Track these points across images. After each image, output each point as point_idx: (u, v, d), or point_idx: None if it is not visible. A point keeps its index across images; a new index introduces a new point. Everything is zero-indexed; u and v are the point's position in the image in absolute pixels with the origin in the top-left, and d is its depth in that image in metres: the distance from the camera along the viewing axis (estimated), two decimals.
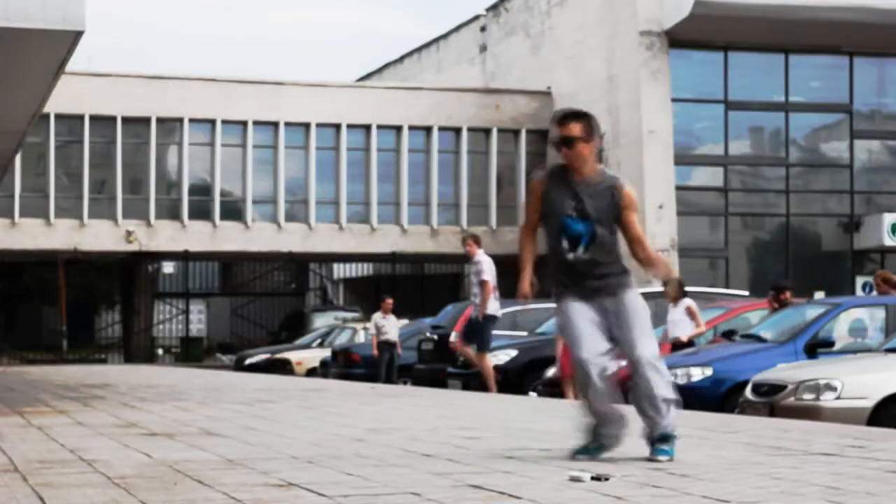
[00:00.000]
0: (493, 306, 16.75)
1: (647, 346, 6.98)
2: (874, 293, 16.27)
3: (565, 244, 7.05)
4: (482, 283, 16.64)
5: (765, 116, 37.40)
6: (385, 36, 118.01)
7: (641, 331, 7.00)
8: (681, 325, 15.93)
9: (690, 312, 15.97)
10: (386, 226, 39.17)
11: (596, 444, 7.09)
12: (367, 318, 32.15)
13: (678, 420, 7.08)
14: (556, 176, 7.10)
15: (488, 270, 16.65)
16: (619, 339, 7.03)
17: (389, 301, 23.86)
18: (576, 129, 6.99)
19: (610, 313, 7.02)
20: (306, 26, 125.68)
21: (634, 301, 7.07)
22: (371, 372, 23.25)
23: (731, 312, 17.55)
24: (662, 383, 6.98)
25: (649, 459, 6.84)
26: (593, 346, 6.98)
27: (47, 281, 43.00)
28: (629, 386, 7.08)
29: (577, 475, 6.06)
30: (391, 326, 23.59)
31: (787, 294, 16.60)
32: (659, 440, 6.93)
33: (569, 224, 7.03)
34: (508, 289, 33.74)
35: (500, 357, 19.02)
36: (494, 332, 20.85)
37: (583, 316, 7.03)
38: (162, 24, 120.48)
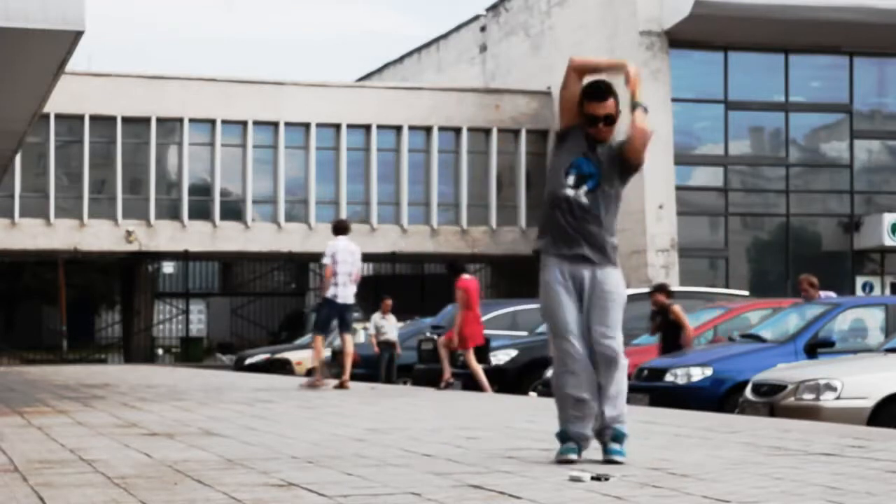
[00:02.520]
0: (332, 291, 16.82)
1: (615, 340, 6.83)
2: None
3: (571, 180, 6.91)
4: (324, 266, 16.86)
5: (765, 116, 37.40)
6: (385, 36, 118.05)
7: (613, 321, 6.84)
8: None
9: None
10: (386, 226, 39.17)
11: (574, 446, 6.92)
12: (367, 318, 32.17)
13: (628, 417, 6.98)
14: (577, 131, 6.99)
15: (330, 255, 16.78)
16: (588, 319, 6.86)
17: (389, 301, 23.87)
18: (612, 105, 6.92)
19: (586, 288, 6.86)
20: (306, 26, 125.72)
21: (614, 282, 6.90)
22: (371, 372, 23.24)
23: (731, 312, 17.55)
24: (624, 381, 6.88)
25: (605, 461, 6.72)
26: (576, 330, 6.85)
27: (47, 281, 43.05)
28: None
29: (577, 475, 6.06)
30: (390, 326, 23.60)
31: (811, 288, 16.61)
32: (614, 440, 6.82)
33: (582, 162, 6.92)
34: (510, 289, 33.59)
35: (500, 357, 19.05)
36: (494, 331, 20.88)
37: (565, 295, 6.89)
38: (162, 24, 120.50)
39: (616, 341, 6.85)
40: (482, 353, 17.68)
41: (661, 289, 16.59)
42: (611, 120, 6.92)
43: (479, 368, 17.24)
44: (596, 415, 6.86)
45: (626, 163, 6.95)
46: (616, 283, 6.91)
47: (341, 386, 16.63)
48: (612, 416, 6.82)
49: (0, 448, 7.92)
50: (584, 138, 6.97)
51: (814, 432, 8.89)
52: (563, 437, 6.93)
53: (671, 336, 15.88)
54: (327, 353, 27.63)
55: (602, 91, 6.91)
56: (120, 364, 37.28)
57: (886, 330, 14.66)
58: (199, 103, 37.87)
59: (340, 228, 17.48)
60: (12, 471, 6.66)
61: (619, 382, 6.85)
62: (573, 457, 6.82)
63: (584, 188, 6.91)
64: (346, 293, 16.92)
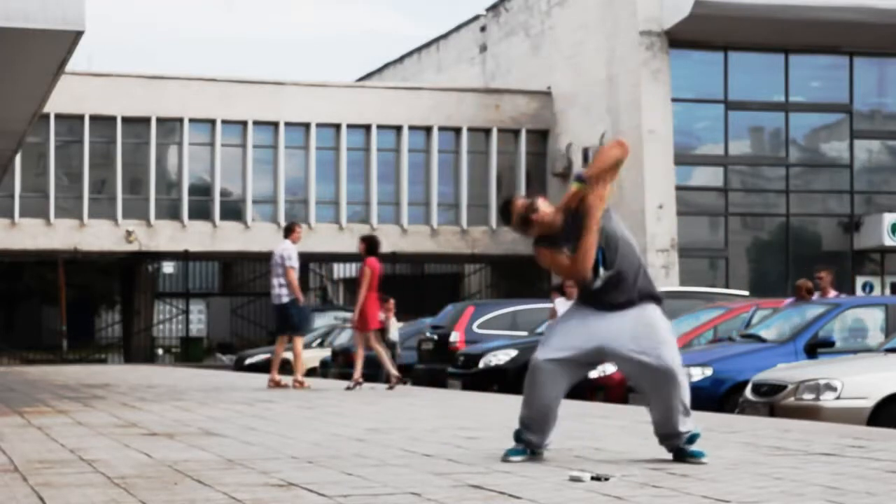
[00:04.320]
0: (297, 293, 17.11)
1: (672, 354, 6.91)
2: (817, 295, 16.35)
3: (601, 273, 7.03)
4: (291, 269, 16.98)
5: (765, 116, 37.39)
6: (385, 36, 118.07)
7: (664, 339, 6.91)
8: None
9: None
10: (386, 226, 39.14)
11: (524, 448, 7.00)
12: None
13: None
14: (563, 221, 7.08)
15: (295, 258, 17.05)
16: (641, 348, 6.88)
17: (391, 301, 23.89)
18: (519, 205, 6.98)
19: (625, 322, 6.90)
20: (306, 26, 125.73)
21: (657, 314, 6.99)
22: (371, 372, 23.24)
23: (731, 312, 17.54)
24: (687, 391, 6.99)
25: (687, 462, 6.80)
26: (559, 347, 6.89)
27: (47, 281, 43.02)
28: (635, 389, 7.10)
29: (577, 475, 6.06)
30: (392, 326, 23.62)
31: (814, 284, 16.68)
32: (689, 442, 6.92)
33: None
34: (510, 289, 33.58)
35: (500, 357, 19.04)
36: (494, 331, 20.87)
37: (578, 321, 6.96)
38: (162, 24, 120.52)
39: (676, 356, 6.91)
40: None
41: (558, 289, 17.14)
42: (532, 211, 6.94)
43: (384, 351, 17.21)
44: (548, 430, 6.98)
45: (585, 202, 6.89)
46: (659, 315, 6.99)
47: (300, 385, 16.90)
48: (684, 421, 6.94)
49: (0, 448, 7.92)
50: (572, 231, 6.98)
51: (814, 432, 8.89)
52: (517, 436, 7.03)
53: None
54: (327, 353, 27.71)
55: (503, 210, 7.09)
56: (120, 364, 37.28)
57: (886, 330, 14.66)
58: (199, 103, 37.86)
59: (289, 231, 17.66)
60: (12, 471, 6.66)
61: (687, 392, 6.96)
62: (515, 459, 6.91)
63: (601, 269, 6.97)
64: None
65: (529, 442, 7.01)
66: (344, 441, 8.38)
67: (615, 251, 6.94)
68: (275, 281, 17.21)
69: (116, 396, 14.89)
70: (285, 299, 17.10)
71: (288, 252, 17.07)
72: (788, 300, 16.81)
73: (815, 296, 16.59)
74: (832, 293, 16.61)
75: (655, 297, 7.05)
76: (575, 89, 37.93)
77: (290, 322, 17.27)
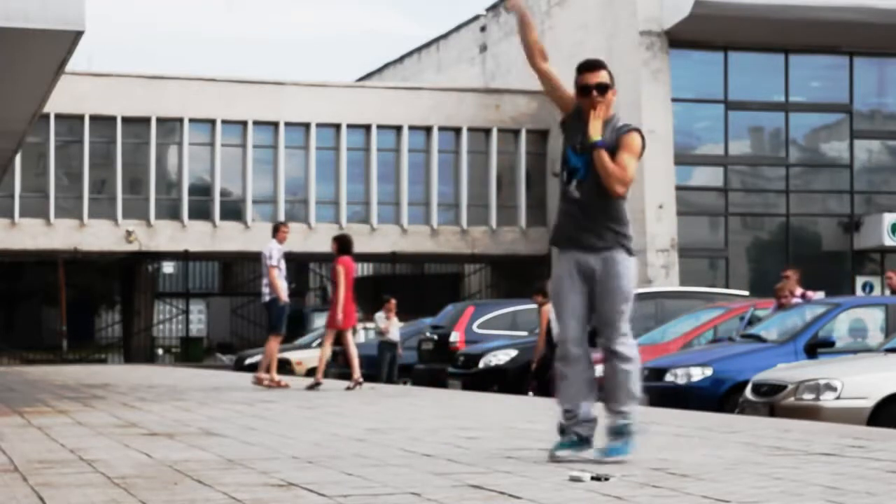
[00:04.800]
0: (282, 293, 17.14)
1: (622, 334, 6.81)
2: (876, 292, 16.53)
3: (565, 175, 6.97)
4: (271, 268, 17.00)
5: (765, 116, 37.40)
6: (385, 36, 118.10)
7: (620, 314, 6.80)
8: None
9: None
10: (386, 226, 39.16)
11: (570, 440, 6.91)
12: (367, 317, 32.10)
13: (639, 418, 6.92)
14: (576, 114, 7.08)
15: (277, 258, 17.07)
16: (597, 312, 6.84)
17: (392, 301, 23.90)
18: (605, 76, 7.09)
19: (596, 279, 6.81)
20: (306, 26, 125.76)
21: (622, 270, 6.82)
22: (371, 372, 23.24)
23: (731, 312, 17.55)
24: (634, 377, 6.84)
25: (598, 461, 6.70)
26: (577, 334, 6.84)
27: (47, 281, 43.01)
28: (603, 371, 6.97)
29: (577, 475, 6.06)
30: (393, 327, 23.63)
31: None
32: (617, 433, 6.80)
33: (570, 155, 6.96)
34: (510, 289, 33.59)
35: (500, 357, 19.05)
36: (495, 331, 20.88)
37: (571, 292, 6.87)
38: (162, 24, 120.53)
39: (624, 337, 6.82)
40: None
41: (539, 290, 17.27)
42: (603, 88, 7.05)
43: (355, 351, 17.12)
44: (587, 418, 6.88)
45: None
46: (622, 273, 6.83)
47: (278, 384, 16.89)
48: (619, 409, 6.83)
49: (0, 448, 7.92)
50: (578, 128, 6.98)
51: (814, 432, 8.89)
52: (560, 430, 6.98)
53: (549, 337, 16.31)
54: (327, 353, 27.68)
55: (593, 63, 7.20)
56: (120, 364, 37.28)
57: (886, 330, 14.66)
58: (199, 103, 37.87)
59: (275, 230, 17.68)
60: (12, 471, 6.66)
61: (631, 379, 6.82)
62: (561, 453, 6.82)
63: (574, 181, 6.92)
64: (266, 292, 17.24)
65: (574, 431, 6.91)
66: (344, 441, 8.38)
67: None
68: (263, 280, 17.32)
69: (116, 396, 14.89)
70: (267, 298, 17.17)
71: (270, 251, 17.11)
72: (773, 304, 16.75)
73: (800, 294, 16.54)
74: (799, 291, 16.60)
75: (627, 247, 6.89)
76: None
77: (270, 321, 17.35)
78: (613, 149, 6.89)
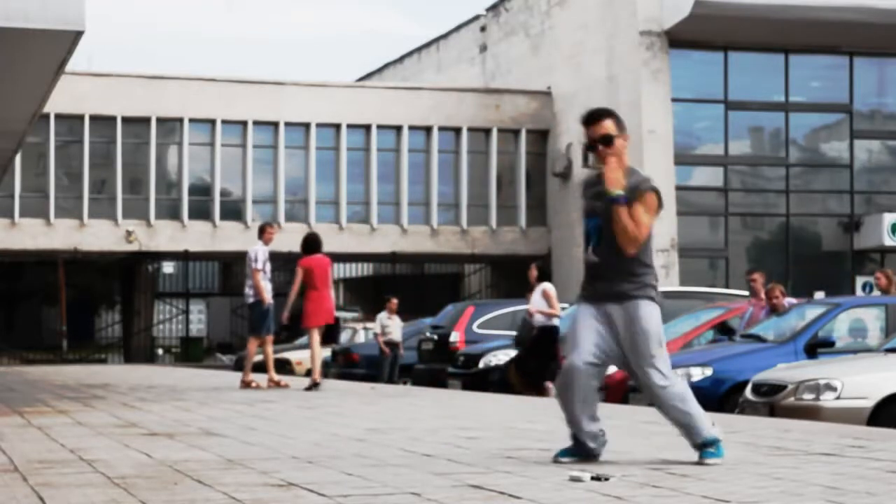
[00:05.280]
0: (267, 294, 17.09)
1: (652, 372, 6.82)
2: (875, 292, 16.53)
3: (583, 242, 7.02)
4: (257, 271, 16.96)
5: (765, 116, 37.40)
6: (385, 36, 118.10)
7: (651, 358, 6.80)
8: (537, 306, 17.07)
9: (546, 296, 16.92)
10: (386, 226, 39.16)
11: (575, 450, 6.95)
12: (367, 317, 32.11)
13: (705, 420, 6.93)
14: (591, 181, 7.08)
15: (262, 259, 17.07)
16: (626, 356, 6.87)
17: (394, 301, 23.91)
18: (608, 125, 6.90)
19: (616, 324, 6.84)
20: (306, 26, 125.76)
21: (643, 315, 6.81)
22: (371, 372, 23.26)
23: (731, 312, 17.54)
24: (676, 405, 6.87)
25: (698, 463, 6.76)
26: (585, 350, 6.84)
27: (47, 281, 43.01)
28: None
29: (577, 475, 6.06)
30: (395, 326, 23.64)
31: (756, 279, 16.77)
32: (701, 446, 6.85)
33: (585, 222, 6.97)
34: (510, 289, 33.60)
35: (500, 357, 19.04)
36: (495, 332, 20.86)
37: (587, 317, 6.90)
38: (162, 24, 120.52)
39: (655, 374, 6.82)
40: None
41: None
42: (607, 140, 6.88)
43: (319, 351, 17.06)
44: (590, 432, 6.89)
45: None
46: (645, 316, 6.81)
47: (248, 385, 16.87)
48: (685, 431, 6.90)
49: (0, 448, 7.91)
50: (592, 188, 6.98)
51: (814, 432, 8.89)
52: (572, 437, 7.02)
53: None
54: (326, 353, 27.69)
55: (593, 115, 6.94)
56: (120, 364, 37.28)
57: (886, 330, 14.65)
58: (199, 103, 37.87)
59: (261, 231, 17.64)
60: (12, 471, 6.66)
61: (675, 410, 6.87)
62: (563, 459, 6.87)
63: (590, 247, 6.95)
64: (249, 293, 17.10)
65: (581, 442, 6.94)
66: (344, 441, 8.38)
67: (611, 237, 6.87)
68: (247, 282, 17.31)
69: (116, 396, 14.89)
70: (251, 300, 17.16)
71: (256, 254, 17.08)
72: (764, 308, 16.70)
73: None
74: (763, 294, 16.58)
75: (649, 296, 6.89)
76: (575, 89, 37.91)
77: (250, 322, 17.31)
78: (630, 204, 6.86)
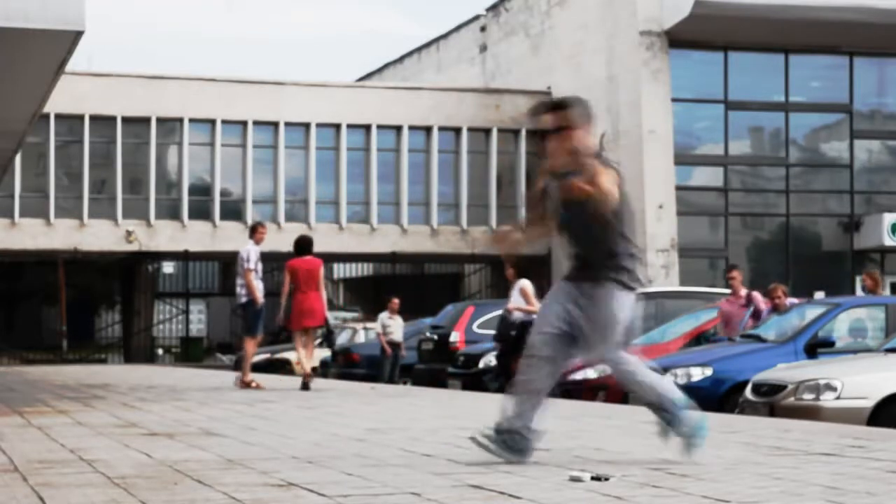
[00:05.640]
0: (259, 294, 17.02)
1: (608, 357, 6.79)
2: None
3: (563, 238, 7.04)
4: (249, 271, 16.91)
5: (765, 116, 37.41)
6: (385, 36, 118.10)
7: (600, 340, 6.71)
8: (516, 303, 17.26)
9: (524, 293, 17.13)
10: (386, 226, 39.17)
11: (505, 441, 6.78)
12: (367, 317, 32.09)
13: (675, 389, 6.92)
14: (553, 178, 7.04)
15: (254, 259, 17.00)
16: (586, 336, 6.76)
17: (396, 301, 23.91)
18: (547, 119, 6.89)
19: (581, 304, 6.74)
20: (306, 26, 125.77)
21: (607, 299, 6.70)
22: (372, 372, 23.26)
23: None
24: (642, 383, 6.83)
25: (685, 449, 6.79)
26: (546, 322, 6.76)
27: (47, 281, 43.02)
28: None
29: (577, 475, 6.06)
30: (396, 327, 23.64)
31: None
32: (662, 428, 6.87)
33: (559, 216, 6.93)
34: (509, 289, 33.67)
35: None
36: (495, 331, 20.89)
37: (558, 294, 6.84)
38: (162, 24, 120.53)
39: (608, 358, 6.80)
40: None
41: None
42: (556, 130, 6.83)
43: (304, 353, 17.07)
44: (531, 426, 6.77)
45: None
46: (607, 301, 6.71)
47: (248, 385, 16.81)
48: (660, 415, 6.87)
49: (0, 448, 7.91)
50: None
51: (814, 432, 8.88)
52: (497, 428, 6.87)
53: None
54: (327, 353, 27.70)
55: (538, 108, 7.00)
56: (120, 364, 37.28)
57: (886, 330, 14.66)
58: (199, 103, 37.87)
59: (252, 231, 17.61)
60: (12, 471, 6.66)
61: (640, 386, 6.83)
62: (491, 447, 6.76)
63: (565, 232, 6.92)
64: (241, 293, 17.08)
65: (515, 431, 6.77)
66: (344, 441, 8.37)
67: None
68: (238, 282, 17.26)
69: (116, 396, 14.89)
70: (243, 300, 17.10)
71: (248, 254, 17.04)
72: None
73: (745, 295, 16.53)
74: (743, 292, 16.58)
75: (621, 281, 6.76)
76: (575, 89, 37.83)
77: (244, 323, 17.24)
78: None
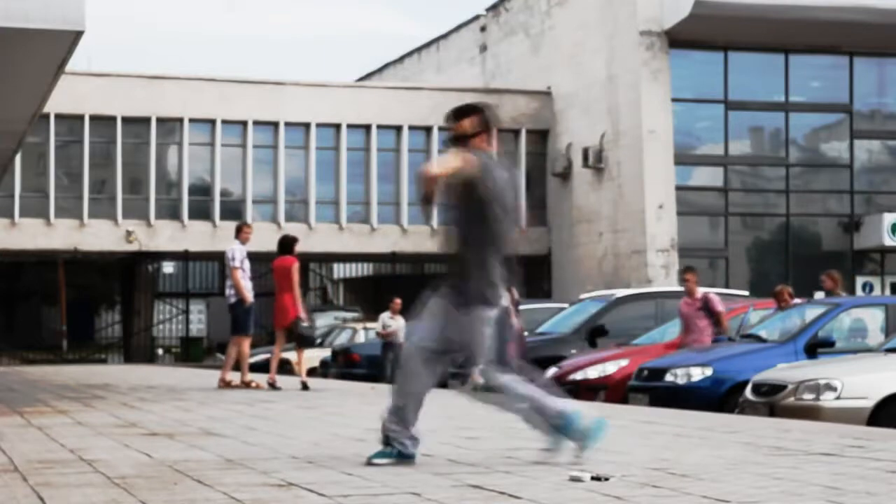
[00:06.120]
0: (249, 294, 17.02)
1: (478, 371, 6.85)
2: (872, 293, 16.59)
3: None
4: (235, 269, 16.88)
5: (765, 116, 37.39)
6: (385, 36, 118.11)
7: (465, 352, 6.81)
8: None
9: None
10: (386, 226, 39.16)
11: (392, 450, 6.85)
12: (367, 317, 32.08)
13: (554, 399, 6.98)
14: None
15: (240, 259, 16.96)
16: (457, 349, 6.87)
17: (398, 301, 23.91)
18: (465, 125, 7.19)
19: (451, 317, 6.81)
20: (306, 26, 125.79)
21: (469, 323, 6.75)
22: (372, 372, 23.26)
23: (731, 312, 17.54)
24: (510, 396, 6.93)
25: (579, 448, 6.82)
26: (421, 335, 6.84)
27: (47, 281, 43.02)
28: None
29: (577, 475, 6.06)
30: (398, 327, 23.64)
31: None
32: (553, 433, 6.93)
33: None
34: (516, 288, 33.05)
35: None
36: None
37: (431, 306, 6.90)
38: (162, 24, 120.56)
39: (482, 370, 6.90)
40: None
41: None
42: (459, 140, 7.11)
43: (278, 354, 17.17)
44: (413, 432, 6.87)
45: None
46: (469, 327, 6.77)
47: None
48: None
49: (0, 448, 7.91)
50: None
51: (814, 432, 8.89)
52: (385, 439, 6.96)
53: None
54: (327, 353, 27.71)
55: (452, 114, 7.25)
56: (120, 364, 37.28)
57: (886, 330, 14.66)
58: (199, 103, 37.86)
59: (238, 231, 17.61)
60: (12, 471, 6.66)
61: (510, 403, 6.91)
62: (380, 461, 6.78)
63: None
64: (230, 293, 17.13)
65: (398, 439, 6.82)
66: (344, 441, 8.38)
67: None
68: (227, 282, 17.27)
69: (116, 396, 14.89)
70: (232, 300, 17.09)
71: (233, 253, 17.05)
72: (721, 309, 16.65)
73: (701, 297, 16.50)
74: (699, 293, 16.54)
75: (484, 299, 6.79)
76: (575, 89, 37.91)
77: (235, 322, 17.21)
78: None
